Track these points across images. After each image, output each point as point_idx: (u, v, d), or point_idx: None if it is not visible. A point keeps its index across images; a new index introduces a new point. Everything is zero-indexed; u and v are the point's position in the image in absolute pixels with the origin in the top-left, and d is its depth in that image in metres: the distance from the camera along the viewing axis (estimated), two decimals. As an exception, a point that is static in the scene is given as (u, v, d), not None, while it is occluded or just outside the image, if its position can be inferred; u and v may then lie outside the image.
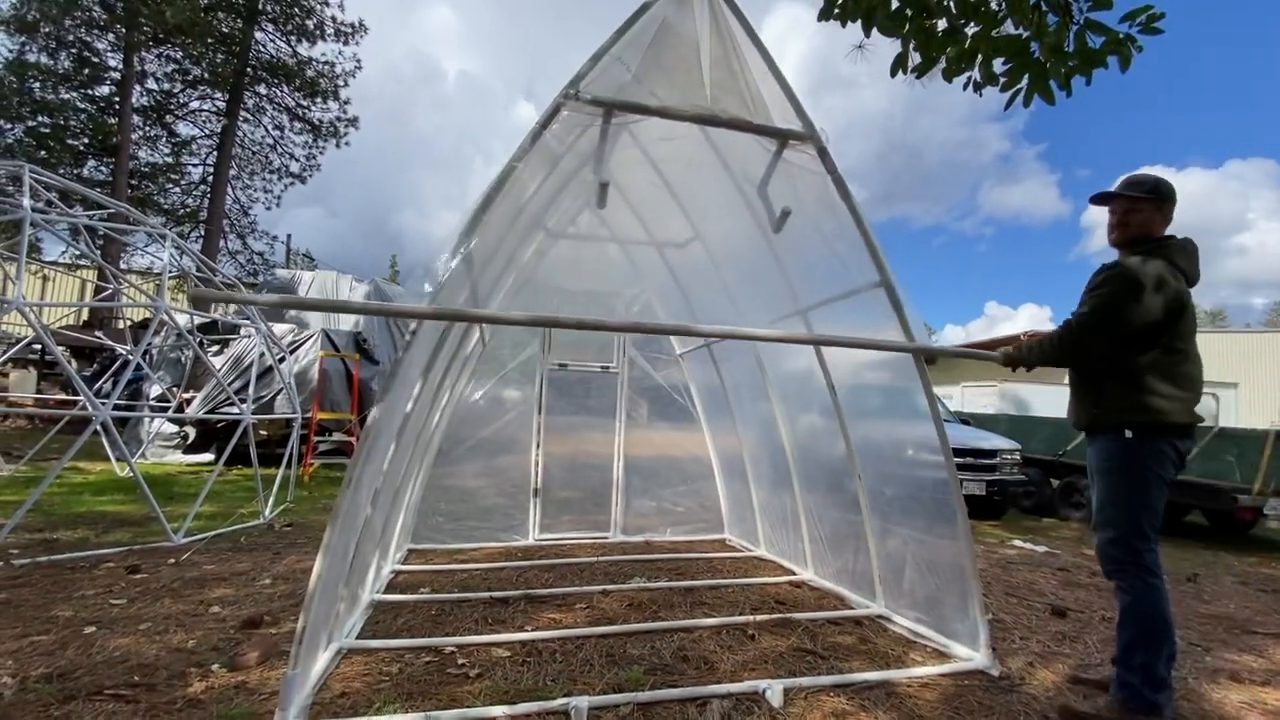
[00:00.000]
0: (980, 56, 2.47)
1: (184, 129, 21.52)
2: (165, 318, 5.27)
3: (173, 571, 3.92)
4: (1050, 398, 12.79)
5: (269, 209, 23.34)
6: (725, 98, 2.58)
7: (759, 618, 3.23)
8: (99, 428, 4.38)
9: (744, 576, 4.15)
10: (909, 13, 2.38)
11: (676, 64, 2.55)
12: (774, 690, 2.31)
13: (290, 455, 6.69)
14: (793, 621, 3.20)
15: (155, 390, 8.90)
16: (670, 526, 5.40)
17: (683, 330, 4.02)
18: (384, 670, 2.51)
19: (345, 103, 21.80)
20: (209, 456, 9.30)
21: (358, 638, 2.82)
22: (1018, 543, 6.41)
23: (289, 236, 23.45)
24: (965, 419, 10.33)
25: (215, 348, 8.94)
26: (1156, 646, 2.16)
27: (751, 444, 4.92)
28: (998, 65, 2.47)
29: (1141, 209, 2.46)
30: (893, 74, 2.47)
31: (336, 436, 9.61)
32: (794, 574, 4.23)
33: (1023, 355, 2.58)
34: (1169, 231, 2.50)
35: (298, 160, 22.97)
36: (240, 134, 21.93)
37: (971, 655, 2.76)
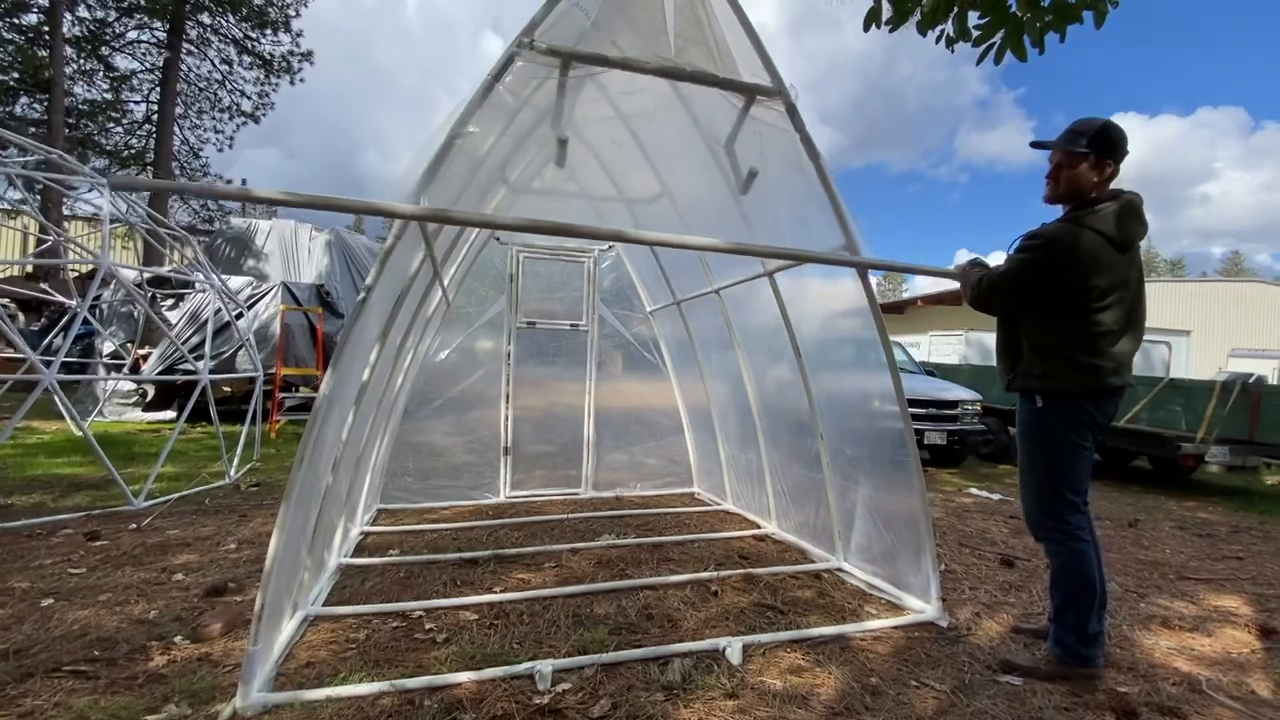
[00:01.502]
0: (955, 9, 2.38)
1: (122, 62, 20.07)
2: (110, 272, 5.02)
3: (134, 538, 3.86)
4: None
5: (221, 150, 22.11)
6: (690, 48, 2.46)
7: (723, 573, 3.32)
8: (49, 386, 4.21)
9: (711, 531, 4.25)
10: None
11: (639, 10, 2.41)
12: (733, 648, 2.39)
13: (254, 412, 6.56)
14: (755, 577, 3.30)
15: (108, 347, 8.57)
16: (641, 481, 5.48)
17: (623, 237, 3.92)
18: (351, 637, 2.53)
19: (298, 35, 20.50)
20: (170, 414, 9.09)
21: (324, 604, 2.83)
22: (974, 490, 6.67)
23: (244, 181, 22.23)
24: (930, 370, 10.56)
25: (169, 301, 8.60)
26: (1087, 605, 2.27)
27: (719, 400, 4.96)
28: (972, 18, 2.38)
29: (1075, 164, 2.29)
30: (865, 28, 2.38)
31: (303, 392, 9.44)
32: (759, 528, 4.35)
33: (964, 280, 2.58)
34: (1117, 185, 2.35)
35: (249, 98, 21.67)
36: (185, 68, 20.56)
37: (923, 608, 2.88)
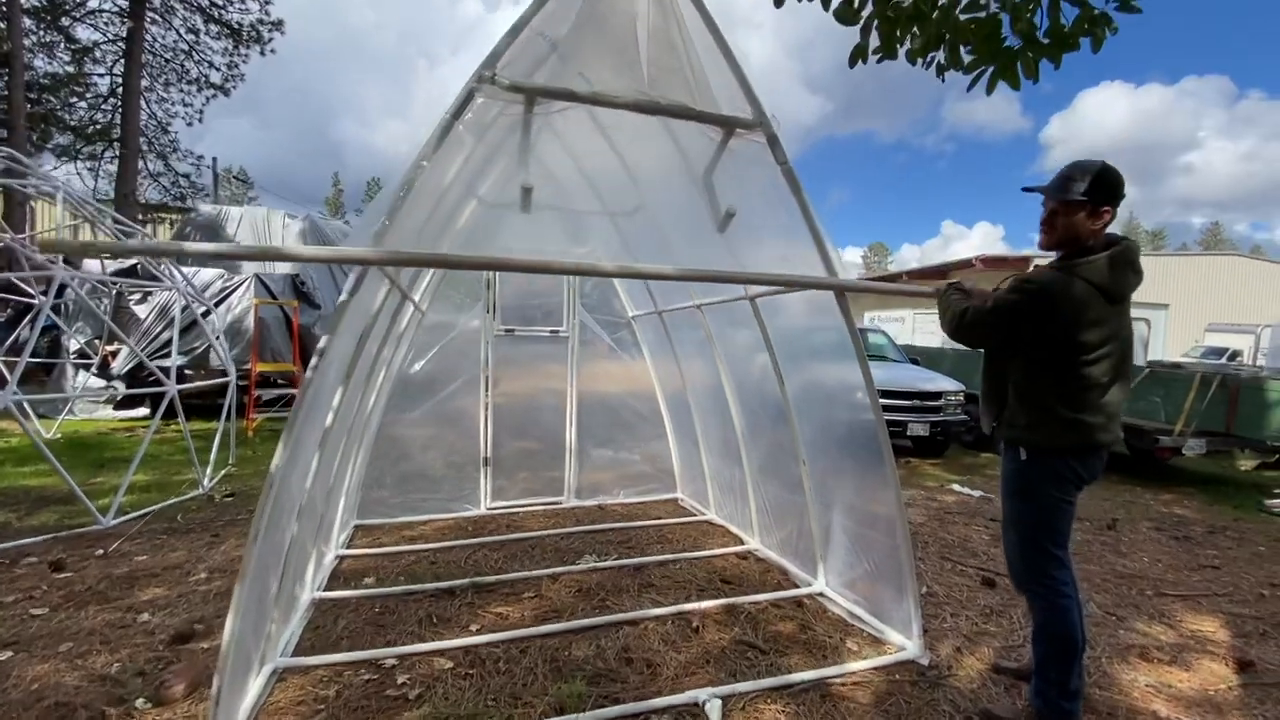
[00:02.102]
0: (947, 39, 2.25)
1: (84, 33, 19.20)
2: (67, 277, 4.79)
3: (100, 567, 3.75)
4: None
5: (190, 124, 21.23)
6: (665, 78, 2.30)
7: (704, 605, 3.28)
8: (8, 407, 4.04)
9: (693, 549, 4.22)
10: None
11: (610, 37, 2.24)
12: (713, 705, 2.35)
13: (229, 411, 6.38)
14: (737, 608, 3.26)
15: (75, 344, 8.31)
16: (624, 488, 5.43)
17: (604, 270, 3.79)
18: (320, 695, 2.46)
19: (267, 2, 19.66)
20: (143, 410, 8.89)
21: (294, 652, 2.75)
22: (956, 487, 6.70)
23: (214, 160, 21.54)
24: (915, 357, 10.56)
25: (136, 296, 8.32)
26: (1069, 662, 2.25)
27: (703, 411, 4.88)
28: (964, 50, 2.25)
29: (1072, 212, 2.20)
30: (851, 64, 2.23)
31: (285, 386, 9.26)
32: (742, 543, 4.32)
33: (941, 301, 2.51)
34: (1113, 230, 2.27)
35: (218, 69, 20.87)
36: (150, 39, 19.72)
37: (905, 644, 2.86)
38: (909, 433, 8.11)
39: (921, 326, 18.87)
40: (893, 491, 2.86)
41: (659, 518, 4.92)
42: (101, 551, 4.00)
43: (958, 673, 2.73)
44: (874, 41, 2.23)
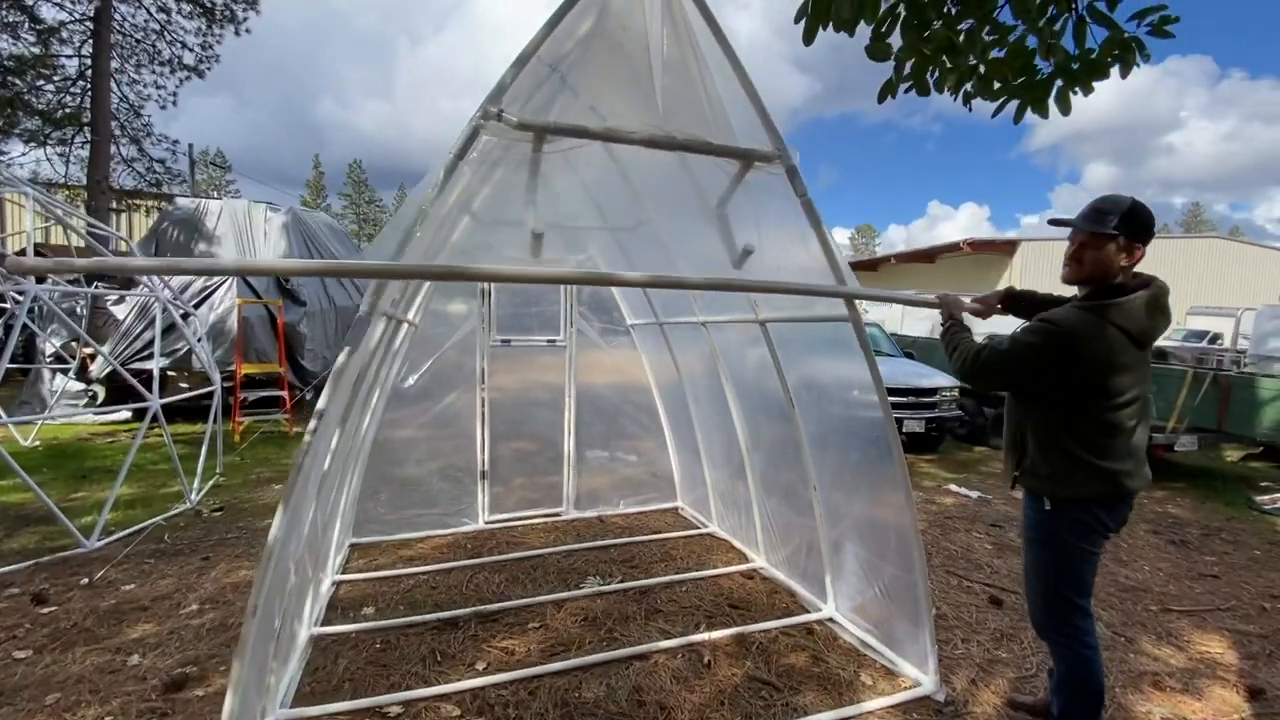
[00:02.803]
0: (981, 71, 2.13)
1: (49, 13, 18.42)
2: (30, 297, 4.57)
3: (86, 599, 3.62)
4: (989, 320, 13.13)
5: (164, 107, 20.55)
6: (681, 110, 2.17)
7: (714, 635, 3.22)
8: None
9: (698, 567, 4.16)
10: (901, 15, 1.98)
11: (623, 68, 2.11)
12: (731, 757, 2.29)
13: (215, 417, 6.18)
14: (747, 639, 3.21)
15: (50, 347, 8.05)
16: (623, 497, 5.36)
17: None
18: (324, 751, 2.38)
19: (241, -21, 19.00)
20: (125, 413, 8.65)
21: (295, 700, 2.66)
22: (954, 487, 6.70)
23: (190, 147, 20.93)
24: (909, 350, 10.54)
25: (114, 297, 8.05)
26: (1093, 711, 2.22)
27: (705, 424, 4.80)
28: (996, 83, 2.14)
29: (1102, 244, 2.10)
30: (880, 100, 2.11)
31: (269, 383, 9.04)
32: (747, 560, 4.27)
33: (945, 327, 2.45)
34: (1141, 269, 2.19)
35: (191, 50, 20.20)
36: (119, 18, 19.05)
37: (920, 679, 2.83)
38: (904, 429, 8.11)
39: (912, 312, 18.87)
40: (909, 520, 2.80)
41: (660, 531, 4.86)
42: (86, 580, 3.86)
43: (974, 709, 2.70)
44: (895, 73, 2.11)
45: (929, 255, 26.27)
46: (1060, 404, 2.15)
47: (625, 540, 4.63)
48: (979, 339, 2.37)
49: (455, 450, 4.92)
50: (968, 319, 2.52)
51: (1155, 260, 2.23)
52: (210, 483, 6.01)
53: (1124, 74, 2.39)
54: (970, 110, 2.27)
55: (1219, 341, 17.22)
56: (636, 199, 3.40)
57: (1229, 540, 5.33)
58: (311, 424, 1.79)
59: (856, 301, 2.70)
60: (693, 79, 2.17)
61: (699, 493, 5.16)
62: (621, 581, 3.89)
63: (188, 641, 3.18)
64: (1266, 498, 6.88)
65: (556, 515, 5.12)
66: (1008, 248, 23.90)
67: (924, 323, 14.90)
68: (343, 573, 3.98)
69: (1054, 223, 2.26)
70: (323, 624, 3.32)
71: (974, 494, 6.51)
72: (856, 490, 3.31)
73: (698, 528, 4.94)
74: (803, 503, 3.61)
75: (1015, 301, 2.56)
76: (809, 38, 1.95)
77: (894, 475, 2.79)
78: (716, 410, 4.48)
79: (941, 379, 8.90)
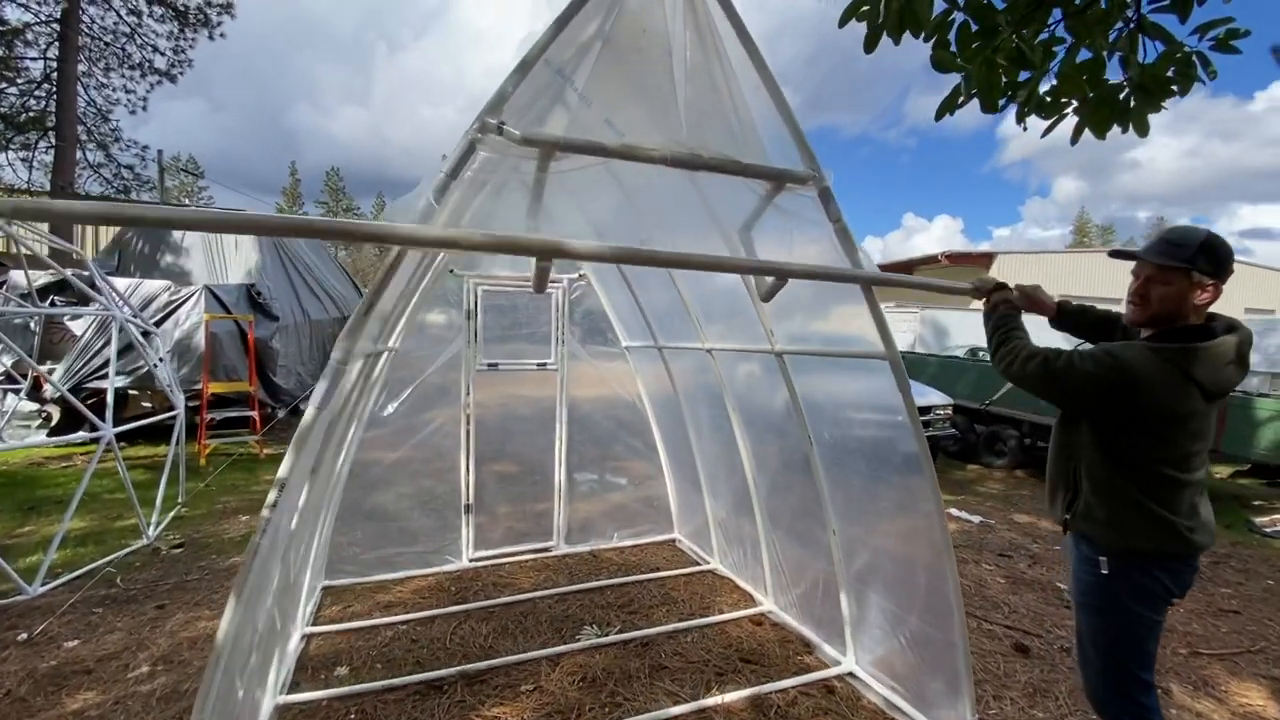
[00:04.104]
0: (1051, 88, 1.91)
1: (13, 13, 17.78)
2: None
3: (23, 659, 3.22)
4: (971, 326, 13.07)
5: (134, 112, 19.95)
6: (706, 124, 1.91)
7: (727, 698, 2.93)
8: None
9: (702, 611, 3.87)
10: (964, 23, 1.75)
11: (641, 76, 1.84)
12: None
13: (177, 441, 5.74)
14: (763, 701, 2.93)
15: (1, 365, 7.54)
16: (617, 530, 5.05)
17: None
18: None
19: (215, -18, 18.54)
20: (83, 434, 8.12)
21: (255, 793, 2.31)
22: (954, 511, 6.51)
23: (160, 153, 20.30)
24: (901, 366, 10.39)
25: (69, 313, 7.56)
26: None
27: (707, 456, 4.52)
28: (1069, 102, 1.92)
29: (1171, 280, 1.85)
30: (939, 117, 1.87)
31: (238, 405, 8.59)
32: (754, 602, 3.99)
33: (987, 312, 2.19)
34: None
35: (163, 54, 19.65)
36: (87, 20, 18.47)
37: (957, 749, 2.57)
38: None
39: (894, 325, 18.81)
40: (948, 566, 2.53)
41: (659, 568, 4.56)
42: (25, 636, 3.46)
43: (1019, 786, 2.45)
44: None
45: (906, 267, 26.46)
46: (1118, 444, 1.91)
47: (622, 580, 4.32)
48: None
49: (437, 483, 4.58)
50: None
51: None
52: (171, 514, 5.58)
53: (1182, 92, 2.18)
54: (1024, 129, 2.05)
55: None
56: (641, 219, 3.14)
57: (1239, 569, 5.18)
58: (271, 495, 1.49)
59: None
60: (719, 88, 1.92)
61: (697, 523, 4.88)
62: (621, 631, 3.58)
63: (134, 714, 2.81)
64: (1266, 519, 6.81)
65: (547, 550, 4.80)
66: (984, 260, 24.16)
67: (905, 335, 14.81)
68: (314, 623, 3.62)
69: (1116, 255, 2.03)
70: (290, 689, 2.96)
71: (975, 519, 6.32)
72: (877, 528, 3.06)
73: (698, 564, 4.65)
74: (816, 541, 3.34)
75: (1066, 315, 2.32)
76: (896, 37, 1.71)
77: (929, 522, 2.54)
78: (719, 439, 4.21)
79: (934, 397, 8.75)
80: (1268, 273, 24.60)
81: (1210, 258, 1.84)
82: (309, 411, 1.52)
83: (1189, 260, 1.84)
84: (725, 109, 1.94)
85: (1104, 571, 1.96)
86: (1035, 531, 5.96)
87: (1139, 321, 1.97)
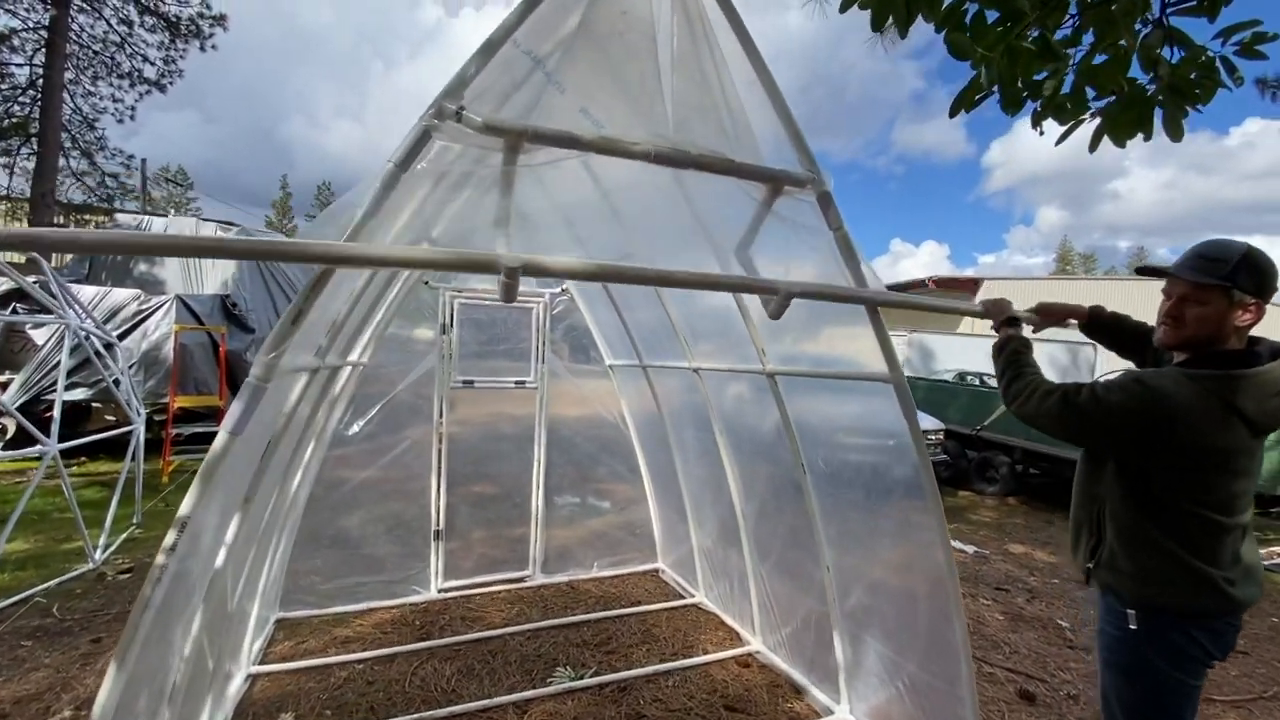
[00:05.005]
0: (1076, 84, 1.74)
1: (-1, 19, 17.58)
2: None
3: (-71, 703, 2.89)
4: (957, 349, 12.97)
5: (121, 121, 19.68)
6: (695, 118, 1.72)
7: (710, 752, 2.67)
8: None
9: (685, 652, 3.60)
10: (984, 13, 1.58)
11: (621, 63, 1.65)
12: None
13: (132, 456, 5.42)
14: (750, 757, 2.67)
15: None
16: (597, 559, 4.78)
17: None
18: None
19: (208, -6, 18.46)
20: (39, 448, 7.74)
21: None
22: (949, 542, 6.28)
23: (144, 161, 20.04)
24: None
25: (28, 323, 7.24)
26: None
27: (693, 482, 4.29)
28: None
29: (1208, 299, 1.66)
30: (953, 114, 1.70)
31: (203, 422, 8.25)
32: (741, 641, 3.73)
33: (998, 347, 2.02)
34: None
35: (153, 64, 19.47)
36: (76, 29, 18.30)
37: (964, 817, 2.31)
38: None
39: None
40: (954, 609, 2.30)
41: (640, 601, 4.29)
42: (-58, 673, 3.14)
43: None
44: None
45: (900, 290, 26.59)
46: (1146, 483, 1.71)
47: (600, 614, 4.04)
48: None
49: (405, 507, 4.30)
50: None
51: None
52: (124, 535, 5.24)
53: (1205, 100, 2.02)
54: (1041, 134, 1.88)
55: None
56: (625, 225, 2.94)
57: (1244, 607, 4.99)
58: (170, 537, 1.25)
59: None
60: (709, 80, 1.73)
61: (682, 552, 4.62)
62: (596, 674, 3.30)
63: (45, 769, 2.50)
64: (1264, 551, 6.65)
65: (521, 581, 4.52)
66: (971, 285, 24.29)
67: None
68: (262, 661, 3.31)
69: (1143, 271, 1.85)
70: (225, 742, 2.66)
71: (970, 549, 6.11)
72: (875, 564, 2.83)
73: (682, 596, 4.39)
74: (807, 575, 3.11)
75: (1098, 322, 2.13)
76: (903, 28, 1.54)
77: (933, 558, 2.33)
78: (706, 463, 3.98)
79: (928, 422, 8.58)
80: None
81: (1252, 274, 1.64)
82: (219, 436, 1.29)
83: (1228, 277, 1.64)
84: (716, 103, 1.75)
85: (1132, 626, 1.74)
86: (1031, 563, 5.75)
87: (1172, 345, 1.77)
